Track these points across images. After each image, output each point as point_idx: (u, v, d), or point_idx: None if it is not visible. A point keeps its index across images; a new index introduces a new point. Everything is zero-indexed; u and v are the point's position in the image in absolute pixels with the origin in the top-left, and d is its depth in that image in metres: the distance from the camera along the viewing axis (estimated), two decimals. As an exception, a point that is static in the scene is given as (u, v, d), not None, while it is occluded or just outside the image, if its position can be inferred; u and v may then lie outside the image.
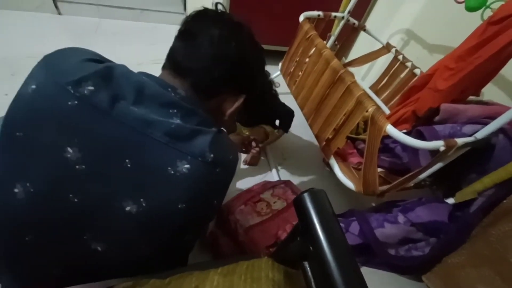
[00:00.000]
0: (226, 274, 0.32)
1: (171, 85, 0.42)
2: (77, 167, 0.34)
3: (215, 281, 0.31)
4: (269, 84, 1.00)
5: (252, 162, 1.05)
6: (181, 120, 0.38)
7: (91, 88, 0.35)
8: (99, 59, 0.40)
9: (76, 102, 0.34)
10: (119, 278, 0.35)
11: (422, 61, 1.16)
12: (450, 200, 0.78)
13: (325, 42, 0.93)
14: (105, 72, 0.37)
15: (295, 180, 1.00)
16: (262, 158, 1.12)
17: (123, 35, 1.53)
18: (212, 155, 0.37)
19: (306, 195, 0.26)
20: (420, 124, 0.80)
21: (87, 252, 0.37)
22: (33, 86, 0.35)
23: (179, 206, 0.36)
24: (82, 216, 0.36)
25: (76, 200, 0.35)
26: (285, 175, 1.10)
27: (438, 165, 0.69)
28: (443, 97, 0.77)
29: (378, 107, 0.68)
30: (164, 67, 0.46)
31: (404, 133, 0.65)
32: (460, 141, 0.62)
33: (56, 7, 1.49)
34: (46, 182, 0.35)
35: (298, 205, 0.27)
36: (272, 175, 1.08)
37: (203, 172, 0.37)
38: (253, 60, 0.50)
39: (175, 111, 0.38)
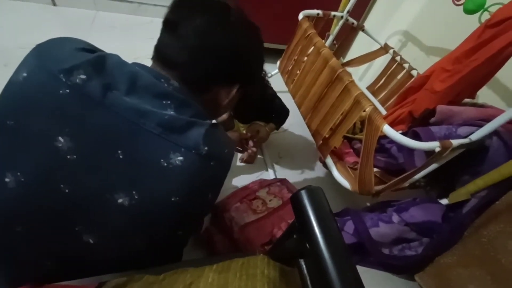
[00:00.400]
0: (221, 271, 0.32)
1: (164, 75, 0.40)
2: (68, 157, 0.33)
3: (210, 278, 0.30)
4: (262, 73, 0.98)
5: (249, 160, 1.05)
6: (175, 112, 0.37)
7: (83, 76, 0.34)
8: (91, 49, 0.39)
9: (67, 90, 0.33)
10: (112, 274, 0.35)
11: (420, 62, 1.16)
12: (444, 201, 0.78)
13: (323, 41, 0.93)
14: (97, 61, 0.36)
15: (291, 178, 1.00)
16: (258, 156, 1.12)
17: (120, 29, 1.50)
18: (206, 148, 0.36)
19: (303, 192, 0.26)
20: (416, 125, 0.80)
21: (79, 245, 0.36)
22: (24, 74, 0.35)
23: (172, 199, 0.35)
24: (74, 207, 0.35)
25: (67, 190, 0.34)
26: (281, 173, 1.10)
27: (433, 166, 0.70)
28: (440, 98, 0.77)
29: (375, 107, 0.68)
30: (152, 58, 0.45)
31: (400, 133, 0.65)
32: (455, 142, 0.63)
33: (51, -2, 1.47)
34: (37, 172, 0.34)
35: (295, 202, 0.27)
36: (268, 173, 1.08)
37: (197, 165, 0.36)
38: (244, 45, 0.45)
39: (169, 102, 0.37)
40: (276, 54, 1.31)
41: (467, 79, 0.72)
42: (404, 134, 0.70)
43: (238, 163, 1.06)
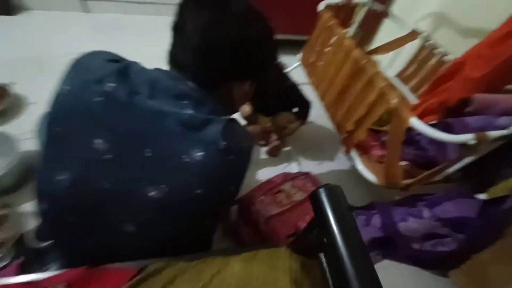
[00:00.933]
0: (246, 261, 0.34)
1: (181, 77, 0.43)
2: (105, 156, 0.39)
3: (235, 267, 0.33)
4: (279, 64, 0.96)
5: (273, 153, 1.06)
6: (193, 110, 0.40)
7: (112, 84, 0.39)
8: (117, 59, 0.44)
9: (100, 98, 0.38)
10: (153, 259, 0.39)
11: (453, 47, 1.08)
12: (482, 196, 0.74)
13: (347, 29, 0.90)
14: (122, 70, 0.40)
15: (315, 171, 1.00)
16: (283, 149, 1.13)
17: (147, 30, 1.58)
18: (225, 143, 0.38)
19: (321, 191, 0.27)
20: (450, 116, 0.76)
21: (120, 232, 0.41)
22: (67, 87, 0.41)
23: (196, 192, 0.39)
24: (114, 200, 0.40)
25: (107, 186, 0.39)
26: (305, 166, 1.11)
27: (469, 159, 0.66)
28: (476, 86, 0.72)
29: (402, 99, 0.66)
30: (167, 62, 0.48)
31: (432, 124, 0.63)
32: (493, 134, 0.59)
33: (85, 5, 1.58)
34: (81, 170, 0.40)
35: (314, 200, 0.28)
36: (292, 167, 1.09)
37: (217, 160, 0.39)
38: (250, 38, 0.45)
39: (187, 102, 0.41)
40: (297, 46, 1.29)
41: (507, 64, 0.66)
42: (435, 125, 0.66)
43: (263, 156, 1.08)
